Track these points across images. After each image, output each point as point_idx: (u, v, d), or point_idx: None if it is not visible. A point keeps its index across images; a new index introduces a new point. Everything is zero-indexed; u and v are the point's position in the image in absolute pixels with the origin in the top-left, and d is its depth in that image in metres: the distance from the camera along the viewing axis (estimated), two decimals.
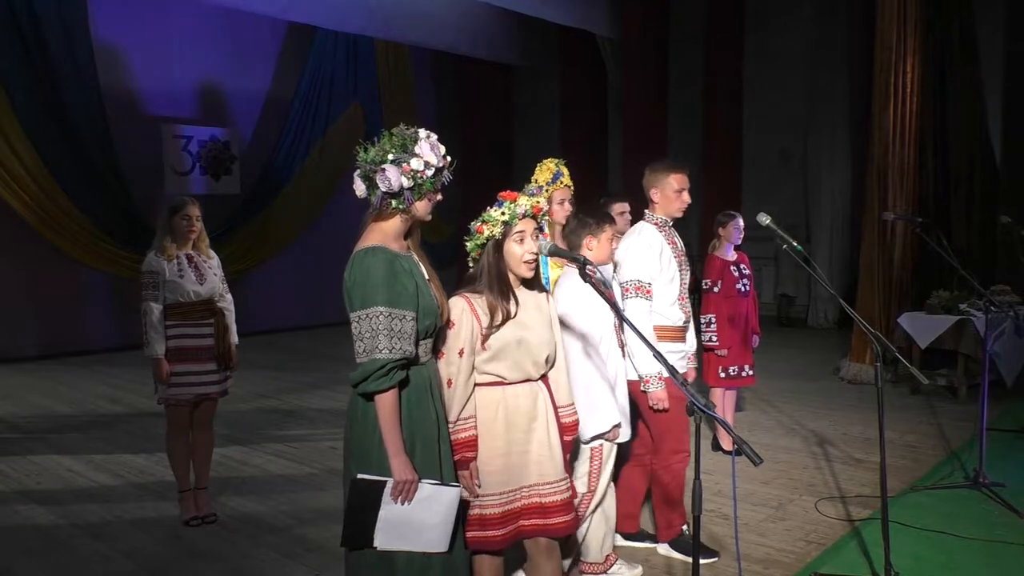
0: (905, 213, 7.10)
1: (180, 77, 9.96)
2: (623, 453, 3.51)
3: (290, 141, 10.94)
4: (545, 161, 3.81)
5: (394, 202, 2.27)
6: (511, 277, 2.53)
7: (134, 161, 9.37)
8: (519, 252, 2.49)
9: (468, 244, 2.55)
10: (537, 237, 2.51)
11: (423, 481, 2.23)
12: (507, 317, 2.48)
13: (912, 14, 7.27)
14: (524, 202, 2.51)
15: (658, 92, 10.76)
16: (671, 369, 2.20)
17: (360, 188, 2.31)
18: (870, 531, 3.81)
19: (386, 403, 2.20)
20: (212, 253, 4.13)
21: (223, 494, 4.44)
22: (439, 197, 2.38)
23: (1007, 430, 5.56)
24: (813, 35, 10.56)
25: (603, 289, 2.42)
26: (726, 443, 5.24)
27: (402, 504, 2.21)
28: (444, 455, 2.38)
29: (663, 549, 3.67)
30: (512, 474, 2.52)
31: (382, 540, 2.23)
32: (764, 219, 3.41)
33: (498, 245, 2.51)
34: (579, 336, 3.06)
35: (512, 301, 2.51)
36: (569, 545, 3.06)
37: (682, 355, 3.59)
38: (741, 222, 5.08)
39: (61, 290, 9.11)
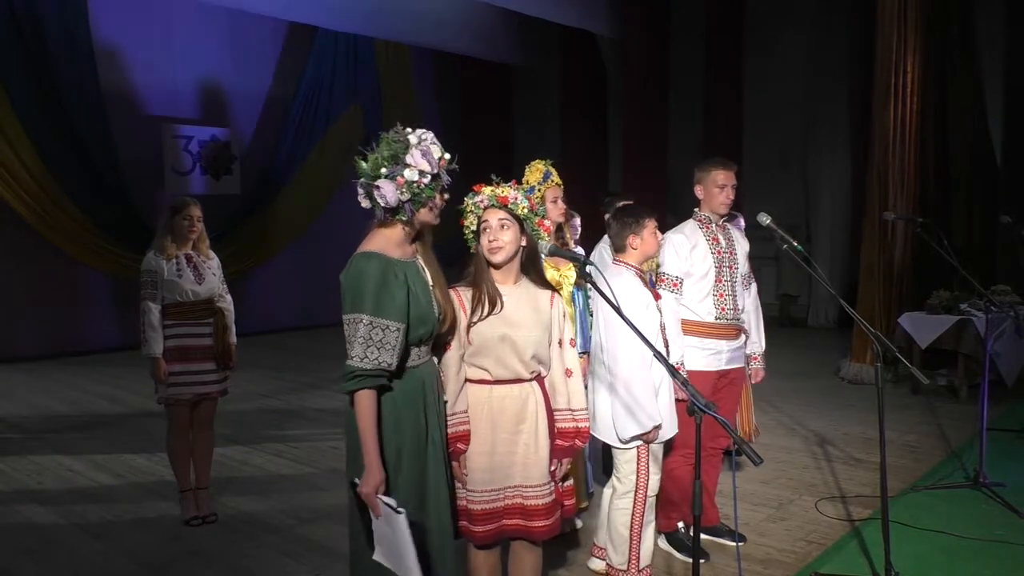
0: (905, 213, 7.09)
1: (180, 77, 9.96)
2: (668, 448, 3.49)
3: (290, 141, 10.94)
4: (534, 162, 3.83)
5: (397, 215, 2.26)
6: (495, 272, 2.54)
7: (134, 161, 9.38)
8: (483, 242, 2.52)
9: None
10: (508, 227, 2.50)
11: (380, 497, 2.14)
12: (489, 311, 2.48)
13: (912, 14, 7.27)
14: (486, 192, 2.53)
15: (658, 92, 10.76)
16: (671, 369, 2.20)
17: (364, 201, 2.29)
18: (870, 531, 3.81)
19: (360, 406, 2.17)
20: (212, 254, 4.14)
21: (223, 494, 4.44)
22: (446, 197, 2.35)
23: (1007, 430, 5.55)
24: (813, 35, 10.55)
25: (602, 289, 2.40)
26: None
27: (376, 518, 2.16)
28: (432, 469, 2.33)
29: (661, 541, 3.70)
30: (496, 473, 2.53)
31: (378, 552, 2.21)
32: (765, 219, 3.42)
33: (477, 237, 2.55)
34: (621, 334, 3.01)
35: (496, 295, 2.50)
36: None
37: (711, 352, 3.54)
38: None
39: (61, 290, 9.10)
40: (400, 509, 2.11)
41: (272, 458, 5.22)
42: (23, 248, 8.72)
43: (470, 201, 2.54)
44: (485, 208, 2.52)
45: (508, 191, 2.53)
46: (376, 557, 2.21)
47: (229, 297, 4.18)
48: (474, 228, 2.54)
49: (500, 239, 2.49)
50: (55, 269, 8.97)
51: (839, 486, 4.56)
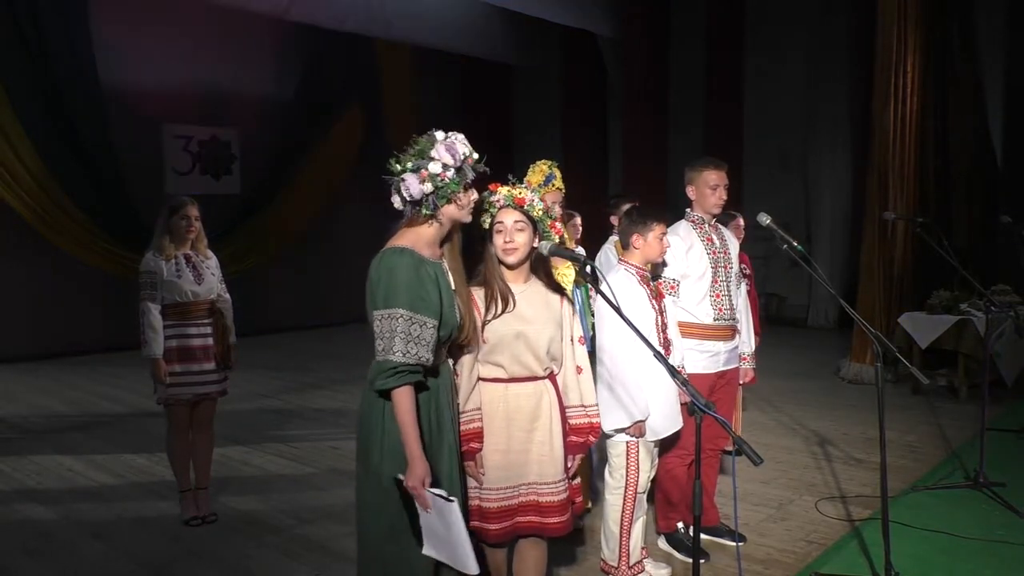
0: (905, 213, 7.09)
1: (180, 77, 9.94)
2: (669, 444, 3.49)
3: (290, 141, 10.93)
4: (538, 163, 3.81)
5: (422, 209, 2.25)
6: (506, 271, 2.55)
7: (134, 161, 9.37)
8: (497, 242, 2.52)
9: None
10: (523, 229, 2.50)
11: (429, 490, 2.14)
12: (503, 309, 2.49)
13: (913, 13, 7.27)
14: (503, 192, 2.53)
15: (658, 92, 10.76)
16: (670, 369, 2.20)
17: (396, 201, 2.30)
18: (870, 531, 3.81)
19: (399, 402, 2.15)
20: (210, 253, 4.14)
21: (223, 494, 4.44)
22: (473, 195, 2.34)
23: (1007, 430, 5.55)
24: (814, 35, 10.56)
25: (602, 288, 2.40)
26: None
27: (425, 512, 2.15)
28: (448, 470, 2.33)
29: (661, 542, 3.70)
30: (511, 471, 2.54)
31: (427, 547, 2.19)
32: (765, 219, 3.42)
33: (490, 236, 2.55)
34: (612, 329, 3.03)
35: (509, 293, 2.51)
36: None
37: (709, 354, 3.53)
38: (742, 222, 5.08)
39: (61, 290, 9.10)
40: (452, 498, 2.11)
41: (272, 458, 5.22)
42: (23, 248, 8.72)
43: (485, 200, 2.54)
44: (500, 208, 2.52)
45: (525, 192, 2.54)
46: (426, 552, 2.20)
47: (228, 297, 4.18)
48: (487, 227, 2.54)
49: (516, 240, 2.50)
50: (54, 269, 8.97)
51: (839, 486, 4.56)
